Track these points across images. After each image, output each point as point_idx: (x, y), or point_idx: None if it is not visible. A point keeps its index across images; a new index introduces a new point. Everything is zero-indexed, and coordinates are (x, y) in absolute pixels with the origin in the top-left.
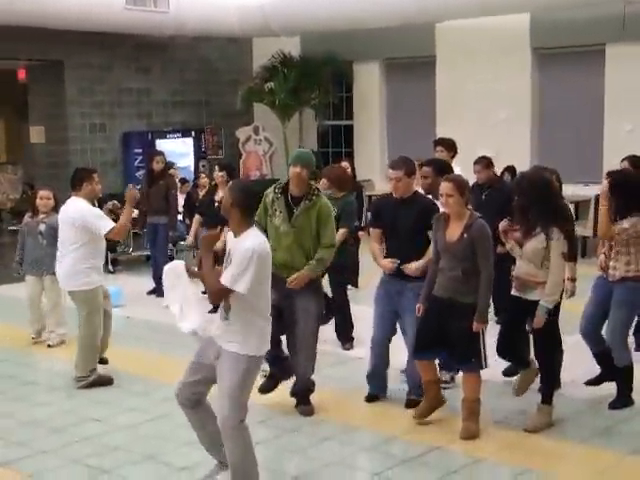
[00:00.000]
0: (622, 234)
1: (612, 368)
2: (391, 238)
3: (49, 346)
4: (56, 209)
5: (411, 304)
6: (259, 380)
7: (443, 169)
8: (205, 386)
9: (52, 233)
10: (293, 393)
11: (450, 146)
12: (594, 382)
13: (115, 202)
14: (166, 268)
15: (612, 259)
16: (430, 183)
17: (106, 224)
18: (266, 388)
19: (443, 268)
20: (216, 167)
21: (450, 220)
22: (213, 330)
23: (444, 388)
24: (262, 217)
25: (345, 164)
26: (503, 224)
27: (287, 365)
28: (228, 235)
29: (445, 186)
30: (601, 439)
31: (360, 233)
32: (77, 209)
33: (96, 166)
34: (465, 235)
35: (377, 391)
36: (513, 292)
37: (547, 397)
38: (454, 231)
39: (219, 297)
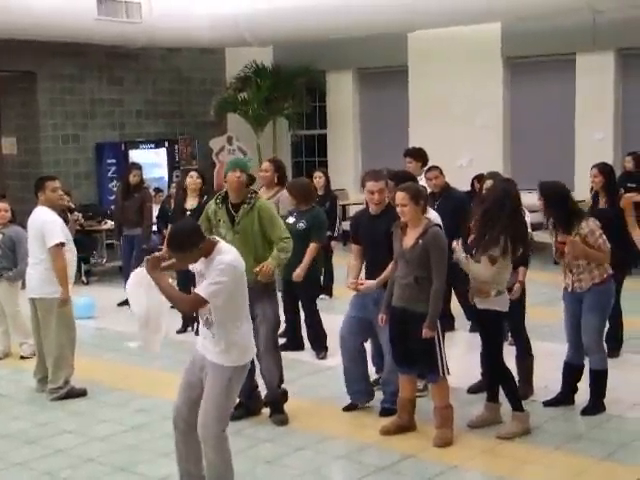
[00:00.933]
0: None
1: (573, 387)
2: (369, 251)
3: (22, 357)
4: (14, 222)
5: None
6: None
7: (405, 180)
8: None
9: (8, 244)
10: (265, 403)
11: (419, 156)
12: (552, 403)
13: (79, 216)
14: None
15: (574, 274)
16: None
17: (54, 238)
18: (235, 417)
19: (398, 276)
20: (193, 173)
21: (407, 228)
22: (199, 341)
23: (418, 396)
24: (206, 230)
25: (319, 174)
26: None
27: (258, 395)
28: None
29: (399, 195)
30: (574, 445)
31: (332, 243)
32: (38, 218)
33: (69, 177)
34: (420, 242)
35: (359, 398)
36: (472, 300)
37: (515, 404)
38: (410, 239)
39: (192, 307)
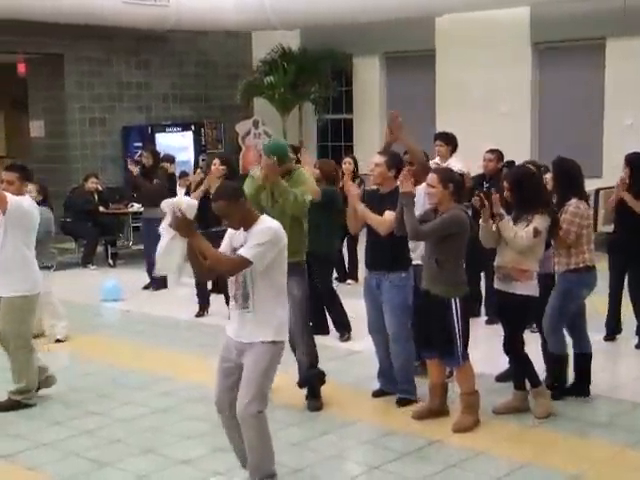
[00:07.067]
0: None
1: (585, 376)
2: (372, 231)
3: (58, 341)
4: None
5: (389, 297)
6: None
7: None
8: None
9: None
10: (299, 384)
11: (449, 140)
12: (567, 392)
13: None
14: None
15: (555, 254)
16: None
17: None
18: None
19: (424, 257)
20: (216, 160)
21: (438, 212)
22: (231, 328)
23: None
24: (252, 196)
25: (348, 159)
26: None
27: None
28: (229, 231)
29: (430, 176)
30: (599, 432)
31: None
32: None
33: (96, 160)
34: None
35: (385, 386)
36: (496, 285)
37: (533, 381)
38: None
39: (234, 268)
